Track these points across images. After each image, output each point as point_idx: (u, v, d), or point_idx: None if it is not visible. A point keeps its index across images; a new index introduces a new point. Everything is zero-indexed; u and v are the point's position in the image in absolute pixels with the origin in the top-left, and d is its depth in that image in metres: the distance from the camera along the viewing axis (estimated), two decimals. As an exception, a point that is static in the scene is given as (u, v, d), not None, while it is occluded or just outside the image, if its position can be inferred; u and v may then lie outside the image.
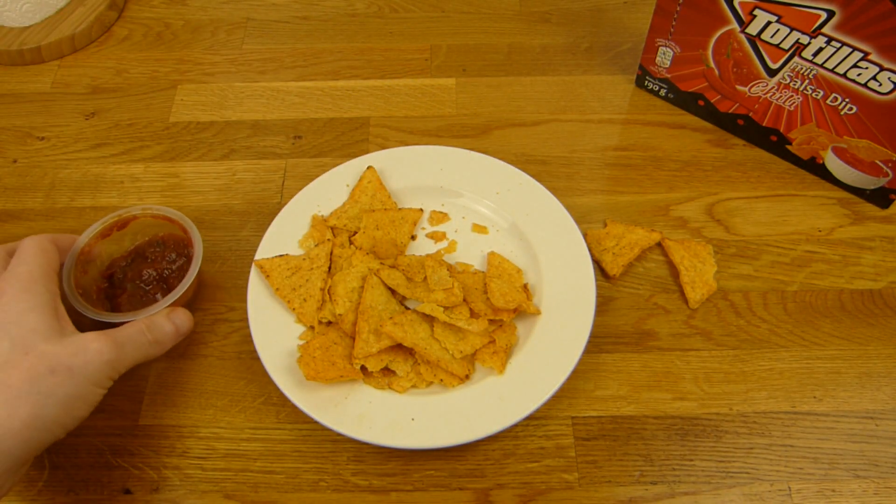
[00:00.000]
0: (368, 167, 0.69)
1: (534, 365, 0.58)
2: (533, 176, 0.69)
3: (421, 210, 0.69)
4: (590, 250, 0.65)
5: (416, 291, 0.61)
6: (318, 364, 0.56)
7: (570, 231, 0.65)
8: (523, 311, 0.61)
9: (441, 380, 0.58)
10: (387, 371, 0.58)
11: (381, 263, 0.64)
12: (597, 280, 0.67)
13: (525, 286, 0.64)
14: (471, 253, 0.67)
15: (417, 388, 0.58)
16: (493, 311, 0.60)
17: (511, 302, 0.60)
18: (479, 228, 0.68)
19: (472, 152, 0.71)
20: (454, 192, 0.70)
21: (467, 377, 0.58)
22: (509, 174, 0.70)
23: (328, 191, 0.69)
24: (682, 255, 0.66)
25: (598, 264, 0.67)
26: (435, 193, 0.70)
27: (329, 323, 0.61)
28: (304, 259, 0.63)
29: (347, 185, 0.69)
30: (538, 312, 0.61)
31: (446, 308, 0.60)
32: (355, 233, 0.66)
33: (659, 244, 0.68)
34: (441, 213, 0.69)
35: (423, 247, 0.67)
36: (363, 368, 0.58)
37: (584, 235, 0.65)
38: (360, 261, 0.64)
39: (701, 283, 0.65)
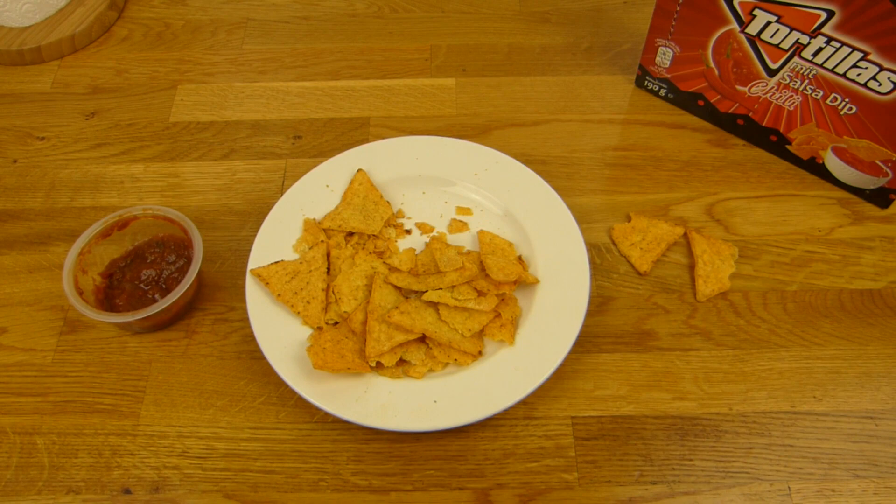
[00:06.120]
0: (358, 170, 0.70)
1: (542, 331, 0.60)
2: (533, 176, 0.70)
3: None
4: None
5: (427, 282, 0.62)
6: (328, 355, 0.57)
7: (550, 198, 0.67)
8: (522, 281, 0.62)
9: (455, 360, 0.59)
10: (400, 361, 0.59)
11: (384, 263, 0.64)
12: (598, 278, 0.67)
13: (519, 258, 0.65)
14: (460, 235, 0.68)
15: (434, 371, 0.59)
16: (495, 286, 0.61)
17: (510, 274, 0.60)
18: (464, 210, 0.69)
19: (446, 138, 0.72)
20: (434, 178, 0.71)
21: (480, 353, 0.59)
22: (484, 155, 0.71)
23: (309, 193, 0.69)
24: (704, 248, 0.67)
25: (626, 259, 0.68)
26: (414, 183, 0.71)
27: (335, 324, 0.61)
28: (300, 263, 0.63)
29: (327, 186, 0.69)
30: (537, 281, 0.62)
31: (452, 288, 0.61)
32: (350, 234, 0.67)
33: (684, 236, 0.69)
34: (423, 200, 0.70)
35: (416, 240, 0.68)
36: (378, 364, 0.58)
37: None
38: (363, 260, 0.64)
39: (715, 279, 0.65)
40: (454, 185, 0.71)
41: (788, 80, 0.67)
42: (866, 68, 0.61)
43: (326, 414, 0.59)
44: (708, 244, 0.68)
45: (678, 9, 0.70)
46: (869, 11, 0.58)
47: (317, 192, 0.69)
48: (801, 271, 0.67)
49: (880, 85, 0.61)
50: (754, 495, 0.55)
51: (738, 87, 0.72)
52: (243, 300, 0.62)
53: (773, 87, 0.69)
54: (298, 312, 0.61)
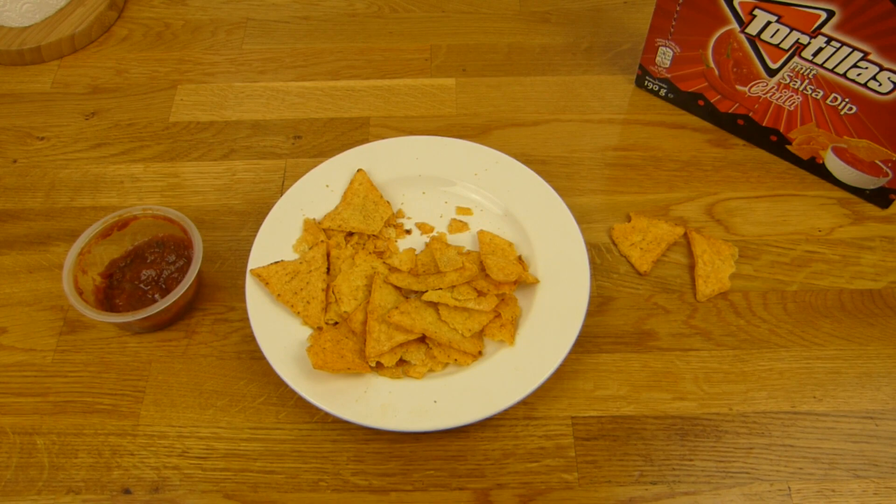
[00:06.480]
0: (358, 170, 0.70)
1: (542, 331, 0.60)
2: (533, 176, 0.70)
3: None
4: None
5: (427, 282, 0.61)
6: (328, 355, 0.57)
7: (550, 198, 0.67)
8: (522, 281, 0.62)
9: (455, 360, 0.59)
10: (400, 361, 0.59)
11: (384, 263, 0.64)
12: (598, 278, 0.67)
13: (519, 258, 0.65)
14: (460, 235, 0.68)
15: (434, 371, 0.59)
16: (495, 286, 0.61)
17: (510, 275, 0.60)
18: (464, 210, 0.69)
19: (446, 138, 0.72)
20: (434, 178, 0.71)
21: (480, 353, 0.59)
22: (484, 155, 0.71)
23: (309, 193, 0.69)
24: (704, 248, 0.67)
25: (626, 259, 0.68)
26: (414, 183, 0.71)
27: (335, 324, 0.61)
28: (300, 263, 0.63)
29: (327, 186, 0.69)
30: (537, 281, 0.62)
31: (452, 288, 0.61)
32: (350, 234, 0.67)
33: (684, 236, 0.69)
34: (423, 200, 0.70)
35: (416, 240, 0.68)
36: (378, 364, 0.58)
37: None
38: (363, 260, 0.64)
39: (715, 279, 0.65)
40: (454, 185, 0.71)
41: (788, 80, 0.67)
42: (866, 68, 0.61)
43: (326, 414, 0.59)
44: (708, 244, 0.68)
45: (678, 9, 0.70)
46: (869, 11, 0.58)
47: (317, 192, 0.69)
48: (802, 271, 0.67)
49: (880, 85, 0.61)
50: (754, 495, 0.55)
51: (739, 87, 0.72)
52: (243, 300, 0.62)
53: (773, 87, 0.69)
54: (298, 312, 0.61)
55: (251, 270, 0.63)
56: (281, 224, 0.67)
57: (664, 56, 0.75)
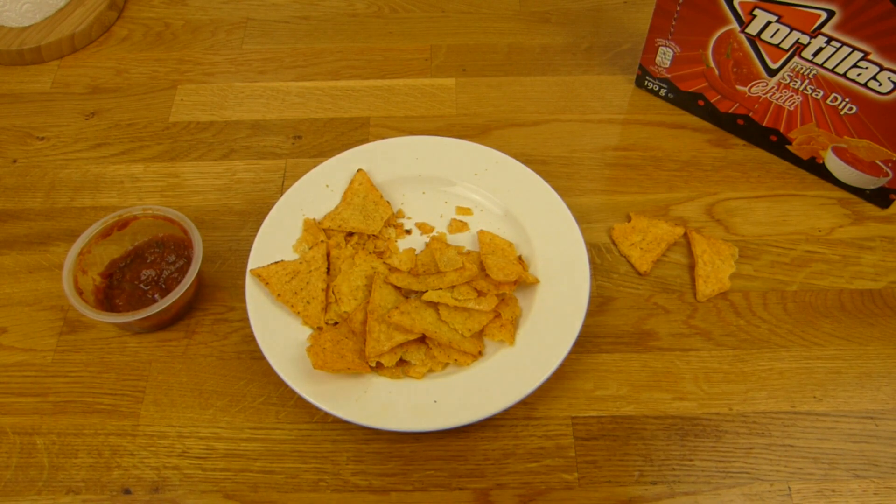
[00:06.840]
0: (358, 170, 0.70)
1: (542, 331, 0.60)
2: (533, 176, 0.70)
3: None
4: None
5: (427, 282, 0.61)
6: (328, 355, 0.57)
7: (550, 198, 0.67)
8: (522, 281, 0.62)
9: (455, 360, 0.59)
10: (400, 361, 0.59)
11: (384, 263, 0.64)
12: (598, 278, 0.67)
13: (519, 258, 0.65)
14: (460, 235, 0.68)
15: (434, 371, 0.59)
16: (495, 286, 0.61)
17: (510, 275, 0.60)
18: (464, 210, 0.69)
19: (446, 138, 0.72)
20: (434, 178, 0.71)
21: (480, 353, 0.59)
22: (485, 155, 0.71)
23: (309, 193, 0.69)
24: (704, 248, 0.67)
25: (626, 259, 0.68)
26: (414, 183, 0.71)
27: (335, 324, 0.61)
28: (300, 263, 0.63)
29: (327, 186, 0.69)
30: (537, 281, 0.62)
31: (452, 288, 0.61)
32: (350, 234, 0.67)
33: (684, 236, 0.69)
34: (423, 200, 0.70)
35: (416, 240, 0.68)
36: (378, 364, 0.58)
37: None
38: (363, 260, 0.64)
39: (715, 279, 0.65)
40: (454, 185, 0.71)
41: (788, 80, 0.67)
42: (866, 68, 0.61)
43: (326, 414, 0.59)
44: (708, 244, 0.68)
45: (678, 9, 0.70)
46: (869, 11, 0.58)
47: (317, 192, 0.69)
48: (802, 271, 0.67)
49: (880, 85, 0.61)
50: (754, 495, 0.55)
51: (739, 87, 0.72)
52: (243, 300, 0.62)
53: (773, 87, 0.69)
54: (298, 312, 0.61)
55: (251, 270, 0.63)
56: (281, 224, 0.67)
57: (664, 56, 0.75)
